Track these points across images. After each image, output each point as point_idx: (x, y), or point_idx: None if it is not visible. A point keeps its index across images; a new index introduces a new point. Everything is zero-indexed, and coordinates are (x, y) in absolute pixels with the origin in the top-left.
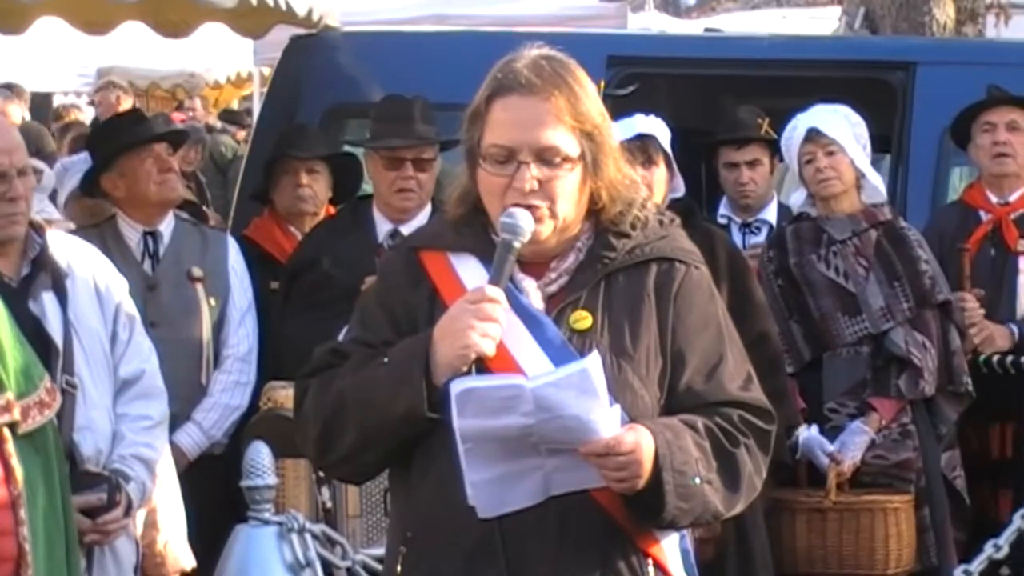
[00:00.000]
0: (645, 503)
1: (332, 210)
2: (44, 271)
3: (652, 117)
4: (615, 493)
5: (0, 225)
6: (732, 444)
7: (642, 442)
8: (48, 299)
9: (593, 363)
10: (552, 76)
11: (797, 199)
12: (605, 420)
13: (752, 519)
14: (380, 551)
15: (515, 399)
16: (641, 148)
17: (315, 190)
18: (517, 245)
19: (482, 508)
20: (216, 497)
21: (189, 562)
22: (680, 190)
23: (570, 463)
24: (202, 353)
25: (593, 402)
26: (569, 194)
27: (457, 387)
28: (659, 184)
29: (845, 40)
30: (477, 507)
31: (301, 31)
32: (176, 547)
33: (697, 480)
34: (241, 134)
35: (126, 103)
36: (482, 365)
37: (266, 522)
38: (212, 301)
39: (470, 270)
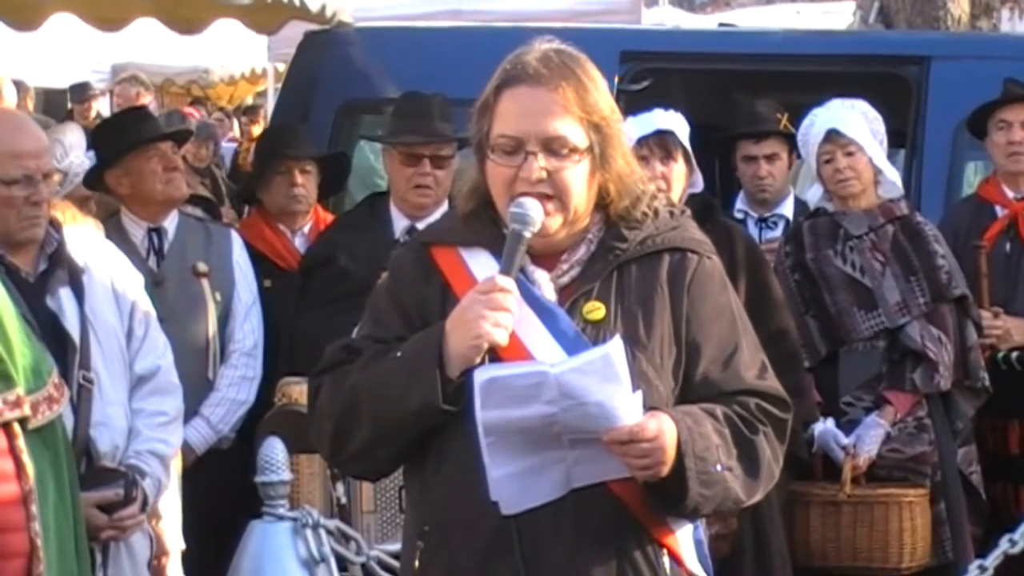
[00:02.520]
0: (667, 491)
1: (319, 208)
2: (61, 267)
3: (671, 112)
4: (632, 484)
5: (22, 228)
6: (751, 431)
7: (664, 428)
8: (65, 295)
9: (615, 348)
10: (560, 67)
11: (814, 194)
12: (627, 407)
13: (769, 515)
14: (394, 547)
15: (539, 386)
16: (660, 143)
17: (308, 189)
18: (527, 235)
19: (505, 504)
20: (224, 492)
21: (178, 545)
22: (699, 185)
23: (592, 454)
24: (208, 348)
25: (616, 388)
26: (577, 185)
27: (481, 376)
28: (678, 179)
29: (859, 35)
30: (500, 503)
31: (314, 27)
32: (167, 528)
33: (718, 467)
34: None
35: (146, 99)
36: (495, 356)
37: (281, 518)
38: (217, 296)
39: (481, 264)
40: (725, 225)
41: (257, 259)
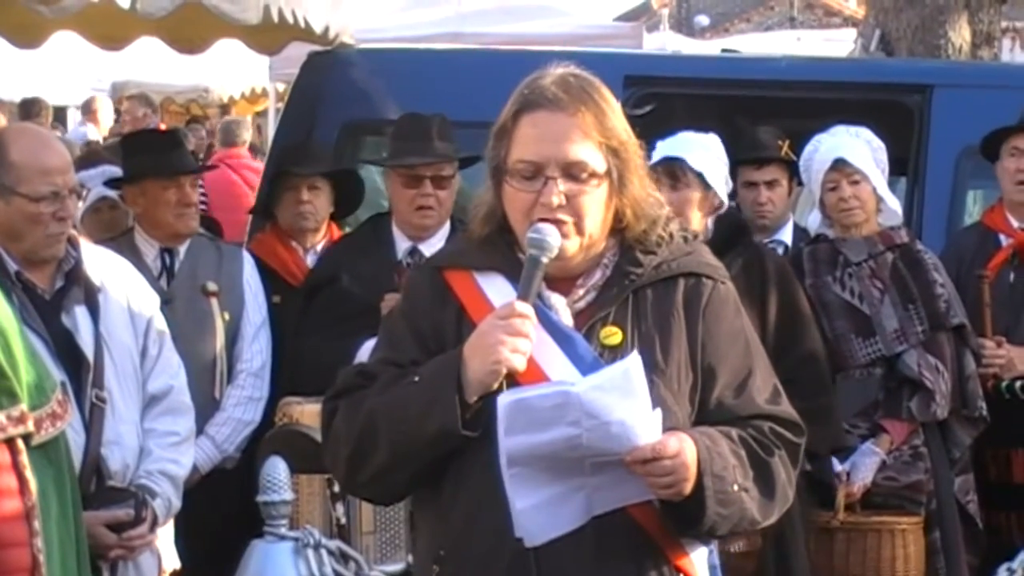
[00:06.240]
0: (685, 510)
1: (334, 226)
2: (77, 285)
3: (707, 134)
4: (650, 507)
5: (48, 244)
6: (766, 453)
7: (685, 446)
8: (80, 313)
9: (634, 363)
10: (579, 92)
11: (814, 220)
12: (647, 425)
13: (794, 539)
14: (394, 567)
15: (562, 407)
16: (667, 171)
17: (316, 206)
18: (545, 260)
19: (529, 536)
20: (227, 512)
21: (172, 563)
22: (723, 207)
23: (612, 479)
24: (215, 367)
25: (636, 405)
26: (595, 210)
27: (504, 400)
28: (689, 205)
29: (862, 62)
30: (524, 536)
31: (316, 48)
32: (161, 546)
33: (735, 487)
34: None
35: (152, 120)
36: (513, 381)
37: (282, 537)
38: (226, 315)
39: (497, 288)
40: (756, 245)
41: (268, 275)
